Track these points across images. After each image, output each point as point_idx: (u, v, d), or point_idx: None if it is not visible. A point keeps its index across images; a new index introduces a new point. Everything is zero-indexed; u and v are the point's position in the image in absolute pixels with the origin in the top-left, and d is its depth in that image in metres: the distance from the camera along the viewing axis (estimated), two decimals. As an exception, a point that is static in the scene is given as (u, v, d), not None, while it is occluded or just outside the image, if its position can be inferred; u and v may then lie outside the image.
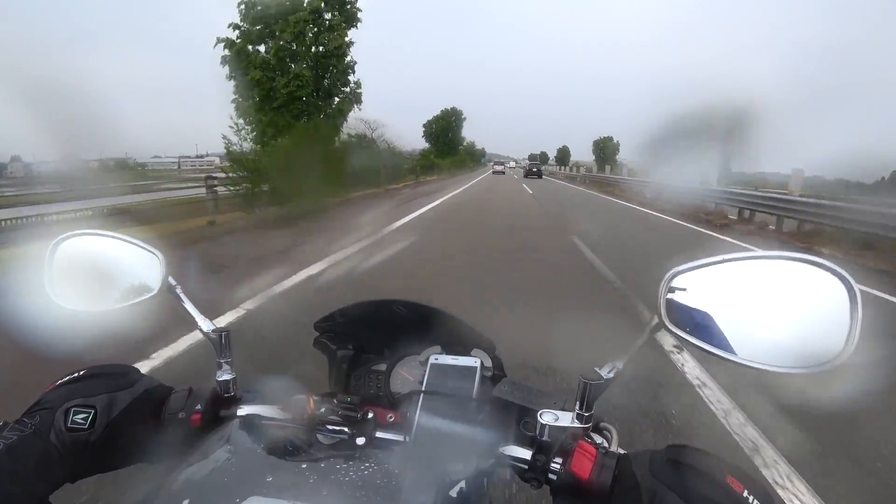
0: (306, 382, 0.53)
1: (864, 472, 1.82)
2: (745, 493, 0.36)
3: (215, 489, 0.40)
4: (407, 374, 0.66)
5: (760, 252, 0.44)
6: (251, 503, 0.38)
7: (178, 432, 0.50)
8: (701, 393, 2.34)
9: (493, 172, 43.66)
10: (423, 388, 0.56)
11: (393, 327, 0.68)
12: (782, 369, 0.41)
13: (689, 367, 2.59)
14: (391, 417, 0.52)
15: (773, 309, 0.43)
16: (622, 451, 0.45)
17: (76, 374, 0.49)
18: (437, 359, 0.60)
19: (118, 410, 0.47)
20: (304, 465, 0.43)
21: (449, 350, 0.64)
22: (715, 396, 2.29)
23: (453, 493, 0.48)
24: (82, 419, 0.45)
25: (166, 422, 0.50)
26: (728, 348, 0.43)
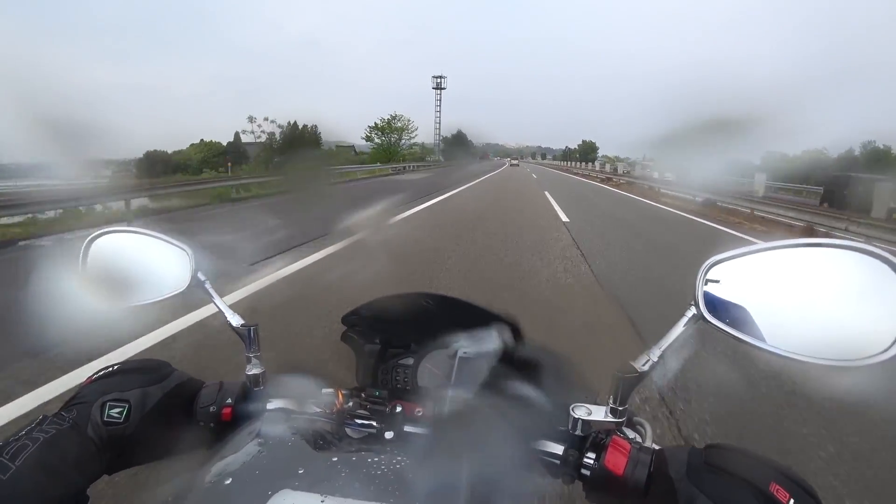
0: (334, 377, 0.54)
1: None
2: (791, 503, 0.34)
3: (247, 481, 0.40)
4: (434, 369, 0.66)
5: (803, 240, 0.42)
6: (282, 496, 0.38)
7: (209, 426, 0.51)
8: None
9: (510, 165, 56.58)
10: (452, 382, 0.55)
11: (420, 321, 0.68)
12: (827, 362, 0.39)
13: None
14: (419, 412, 0.52)
15: (816, 299, 0.41)
16: (657, 447, 0.44)
17: (111, 369, 0.50)
18: (465, 352, 0.59)
19: (151, 404, 0.48)
20: (335, 459, 0.43)
21: (477, 343, 0.63)
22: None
23: (482, 488, 0.48)
24: (117, 413, 0.46)
25: (198, 415, 0.51)
26: (770, 340, 0.41)
